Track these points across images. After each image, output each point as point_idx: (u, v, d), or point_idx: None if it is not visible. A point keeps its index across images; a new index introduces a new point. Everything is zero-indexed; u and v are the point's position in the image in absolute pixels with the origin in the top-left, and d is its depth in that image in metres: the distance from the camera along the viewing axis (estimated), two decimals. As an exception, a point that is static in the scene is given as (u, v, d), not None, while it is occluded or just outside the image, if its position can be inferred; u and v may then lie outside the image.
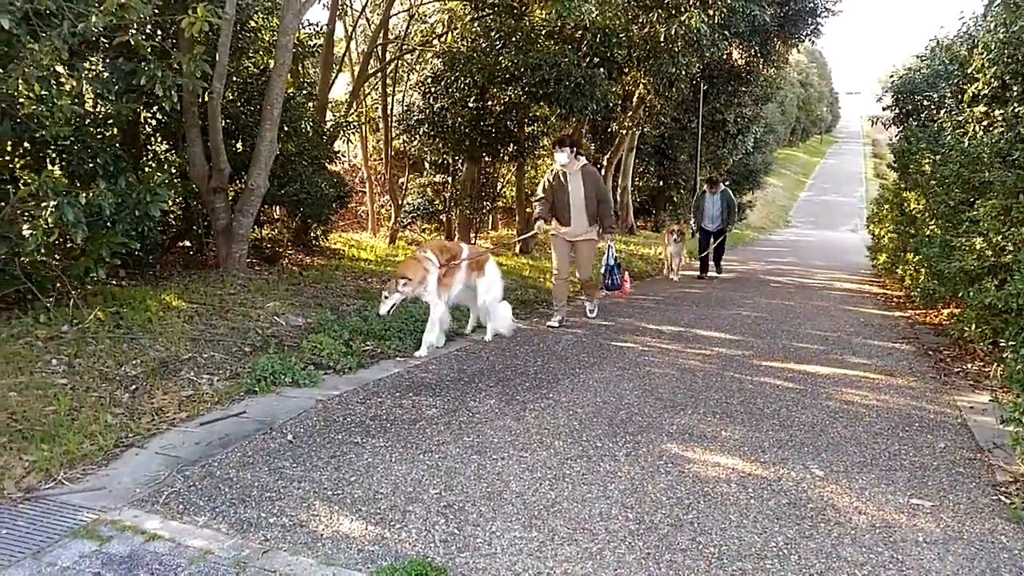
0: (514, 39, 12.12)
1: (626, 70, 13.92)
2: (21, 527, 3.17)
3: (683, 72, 13.73)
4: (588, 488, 3.75)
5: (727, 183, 18.13)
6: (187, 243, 9.22)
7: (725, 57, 19.11)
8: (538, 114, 14.30)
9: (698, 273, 13.58)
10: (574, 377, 5.71)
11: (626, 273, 8.75)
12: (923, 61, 14.58)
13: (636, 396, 5.30)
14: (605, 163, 20.10)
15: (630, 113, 18.49)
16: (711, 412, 5.03)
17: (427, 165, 17.22)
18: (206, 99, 8.05)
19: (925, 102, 14.46)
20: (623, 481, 3.85)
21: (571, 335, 7.36)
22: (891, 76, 15.09)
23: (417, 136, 14.75)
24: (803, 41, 21.52)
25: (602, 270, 8.42)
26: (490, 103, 13.64)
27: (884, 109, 16.00)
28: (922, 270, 8.79)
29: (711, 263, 13.51)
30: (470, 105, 13.39)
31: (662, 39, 12.79)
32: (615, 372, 5.92)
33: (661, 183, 25.89)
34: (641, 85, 16.35)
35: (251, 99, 9.76)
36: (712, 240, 13.17)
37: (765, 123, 30.19)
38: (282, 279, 8.40)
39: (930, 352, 7.31)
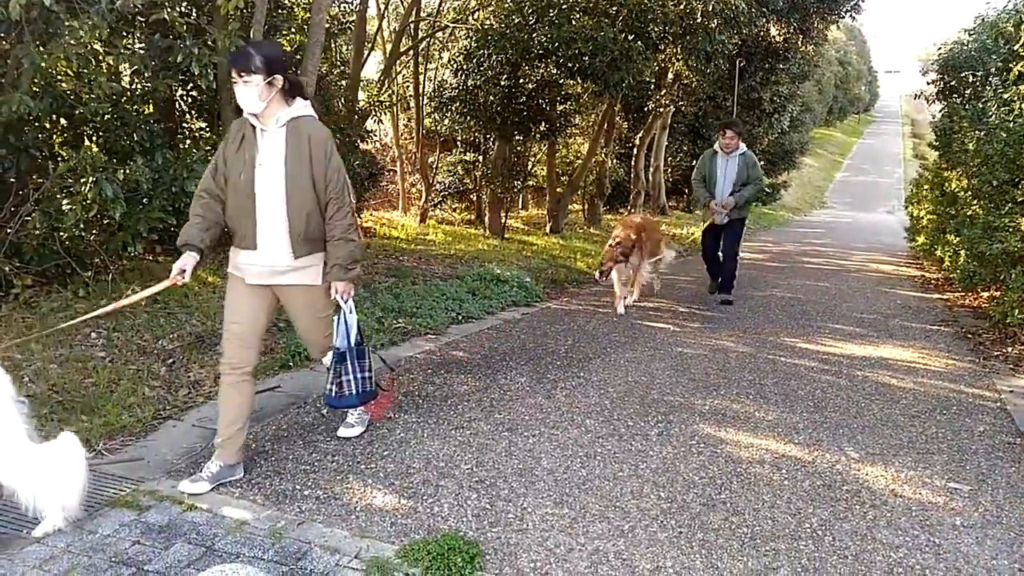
0: (548, 15, 11.98)
1: (662, 46, 13.69)
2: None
3: (720, 49, 13.46)
4: (619, 466, 3.74)
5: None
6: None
7: (762, 34, 18.74)
8: (570, 92, 14.16)
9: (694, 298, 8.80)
10: (605, 357, 5.69)
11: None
12: (970, 36, 14.15)
13: (668, 376, 5.27)
14: (637, 142, 19.89)
15: (663, 91, 18.25)
16: (744, 393, 4.99)
17: (458, 143, 17.17)
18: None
19: (970, 79, 14.04)
20: (655, 460, 3.83)
21: (602, 315, 7.33)
22: (939, 49, 14.63)
23: (448, 114, 14.69)
24: (843, 17, 20.98)
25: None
26: (522, 80, 13.54)
27: (928, 84, 15.57)
28: (962, 252, 8.59)
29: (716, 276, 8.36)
30: (502, 82, 13.29)
31: (699, 15, 12.56)
32: (646, 352, 5.88)
33: (694, 163, 25.58)
34: (677, 62, 16.10)
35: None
36: (722, 238, 7.91)
37: (802, 102, 29.62)
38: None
39: (969, 335, 7.16)
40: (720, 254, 8.02)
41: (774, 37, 19.85)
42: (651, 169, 21.18)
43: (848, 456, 4.02)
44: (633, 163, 19.94)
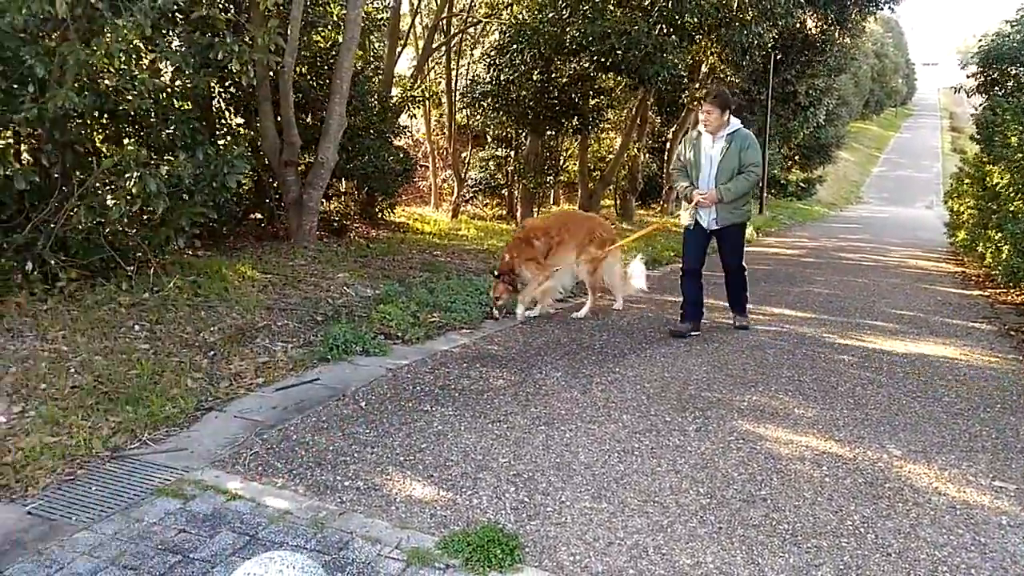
0: (582, 9, 11.94)
1: (697, 39, 13.57)
2: (110, 484, 3.32)
3: (756, 42, 13.31)
4: (657, 462, 3.73)
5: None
6: (258, 215, 9.45)
7: (799, 26, 18.47)
8: (603, 86, 14.11)
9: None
10: (640, 352, 5.66)
11: None
12: (1014, 27, 13.81)
13: (705, 372, 5.23)
14: (670, 136, 19.75)
15: (697, 84, 18.09)
16: (783, 389, 4.94)
17: (489, 139, 17.21)
18: (278, 73, 8.19)
19: (1013, 71, 13.71)
20: (693, 456, 3.81)
21: (636, 311, 7.29)
22: (979, 41, 14.30)
23: (480, 109, 14.73)
24: (881, 9, 20.61)
25: None
26: (555, 75, 13.51)
27: (968, 77, 15.24)
28: (1005, 247, 8.40)
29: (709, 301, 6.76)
30: (535, 77, 13.29)
31: (735, 7, 12.42)
32: (682, 348, 5.85)
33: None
34: (711, 55, 15.95)
35: (320, 73, 9.91)
36: (720, 250, 6.46)
37: (838, 95, 29.18)
38: (350, 251, 8.55)
39: (1012, 332, 7.01)
40: (708, 270, 6.47)
41: (811, 29, 19.56)
42: (684, 164, 21.00)
43: (890, 453, 3.96)
44: (666, 158, 19.79)
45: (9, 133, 5.71)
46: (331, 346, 5.11)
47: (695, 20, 12.31)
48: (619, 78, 13.38)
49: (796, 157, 32.80)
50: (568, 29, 12.13)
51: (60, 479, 3.32)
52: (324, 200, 9.44)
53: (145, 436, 3.75)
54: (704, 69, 17.73)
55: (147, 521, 3.01)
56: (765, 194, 24.85)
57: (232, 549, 2.81)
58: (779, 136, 25.22)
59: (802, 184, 34.21)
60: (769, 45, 16.25)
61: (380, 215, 11.45)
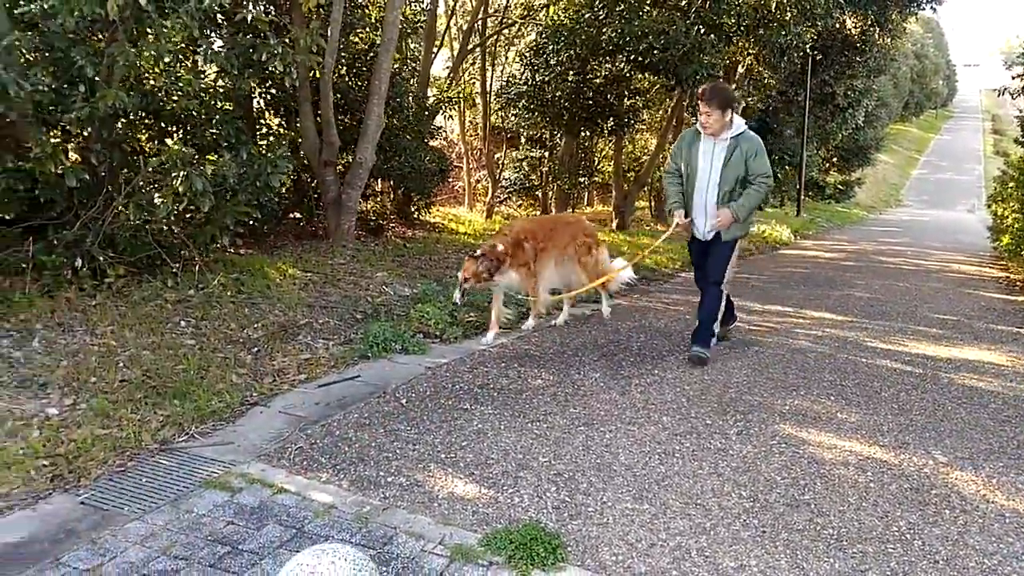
0: (618, 9, 11.91)
1: (735, 39, 13.46)
2: (160, 476, 3.39)
3: (794, 42, 13.16)
4: (699, 464, 3.71)
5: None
6: (297, 215, 9.57)
7: (838, 26, 18.21)
8: (639, 87, 14.06)
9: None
10: (679, 354, 5.63)
11: None
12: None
13: (745, 375, 5.19)
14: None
15: (734, 85, 17.93)
16: (825, 394, 4.88)
17: (523, 140, 17.23)
18: (318, 74, 8.29)
19: (1061, 71, 13.38)
20: (735, 459, 3.79)
21: (673, 312, 7.26)
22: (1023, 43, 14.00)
23: (515, 110, 14.76)
24: (923, 8, 20.24)
25: None
26: (591, 75, 13.49)
27: (1014, 79, 14.91)
28: (1055, 252, 8.21)
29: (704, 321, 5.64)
30: (570, 78, 13.29)
31: (774, 7, 12.30)
32: (721, 351, 5.80)
33: (763, 159, 25.04)
34: (749, 55, 15.80)
35: (359, 74, 10.01)
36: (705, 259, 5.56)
37: (877, 96, 28.67)
38: (388, 251, 8.62)
39: (1062, 339, 6.84)
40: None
41: (850, 30, 19.28)
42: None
43: (936, 460, 3.89)
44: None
45: (58, 132, 5.86)
46: (371, 344, 5.17)
47: (733, 20, 12.22)
48: (655, 79, 13.32)
49: (834, 159, 32.34)
50: (604, 30, 12.12)
51: (111, 470, 3.40)
52: (362, 200, 9.52)
53: (192, 430, 3.82)
54: (741, 70, 17.57)
55: (196, 513, 3.07)
56: (802, 196, 24.53)
57: (279, 542, 2.86)
58: (817, 138, 24.86)
59: (840, 187, 33.72)
60: (808, 46, 16.06)
61: (416, 215, 11.53)
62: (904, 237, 19.93)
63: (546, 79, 13.48)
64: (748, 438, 4.06)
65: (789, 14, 12.58)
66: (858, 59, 20.46)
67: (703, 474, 3.60)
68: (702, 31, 11.86)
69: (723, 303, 5.53)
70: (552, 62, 13.19)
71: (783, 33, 12.63)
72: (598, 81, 13.54)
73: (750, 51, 15.10)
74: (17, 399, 3.89)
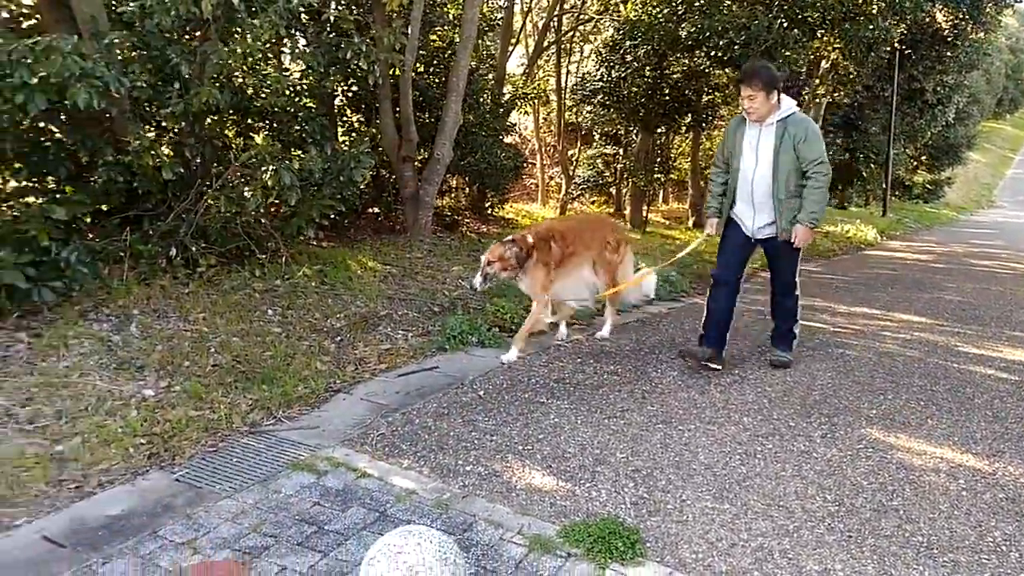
0: (698, 3, 11.72)
1: (819, 34, 13.06)
2: (249, 457, 3.52)
3: (882, 36, 12.66)
4: (782, 466, 3.63)
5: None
6: (376, 209, 9.76)
7: (928, 20, 17.45)
8: (718, 82, 13.78)
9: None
10: (760, 355, 5.51)
11: None
12: None
13: (830, 378, 5.04)
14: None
15: (818, 81, 17.40)
16: (914, 398, 4.70)
17: (597, 136, 17.13)
18: (398, 72, 8.43)
19: None
20: (819, 462, 3.69)
21: (753, 312, 7.10)
22: None
23: (590, 107, 14.68)
24: (1019, 1, 19.18)
25: None
26: (668, 71, 13.31)
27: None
28: None
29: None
30: (647, 74, 13.13)
31: (861, 1, 11.89)
32: (804, 352, 5.65)
33: (848, 157, 24.24)
34: (834, 50, 15.30)
35: (437, 72, 10.13)
36: (770, 268, 5.29)
37: (969, 92, 27.33)
38: (463, 245, 8.71)
39: None
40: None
41: (940, 24, 18.44)
42: (801, 163, 20.23)
43: (1036, 471, 3.70)
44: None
45: (153, 127, 6.13)
46: (449, 336, 5.23)
47: (818, 14, 11.85)
48: (735, 74, 13.03)
49: (923, 158, 31.00)
50: (683, 25, 11.93)
51: (204, 450, 3.55)
52: (438, 195, 9.65)
53: (280, 414, 3.96)
54: (825, 65, 17.04)
55: (284, 493, 3.18)
56: (889, 196, 23.63)
57: (363, 524, 2.93)
58: (904, 135, 23.87)
59: (929, 186, 32.31)
60: (896, 40, 15.47)
61: (490, 211, 11.61)
62: (998, 239, 18.97)
63: (622, 75, 13.35)
64: (833, 441, 3.94)
65: (876, 8, 12.14)
66: (949, 54, 19.55)
67: (786, 476, 3.52)
68: (785, 26, 11.55)
69: (799, 303, 5.26)
70: (628, 58, 13.06)
71: (870, 27, 12.18)
72: (676, 76, 13.34)
73: (835, 45, 14.62)
74: (116, 380, 4.09)
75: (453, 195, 11.38)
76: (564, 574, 2.69)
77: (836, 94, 18.72)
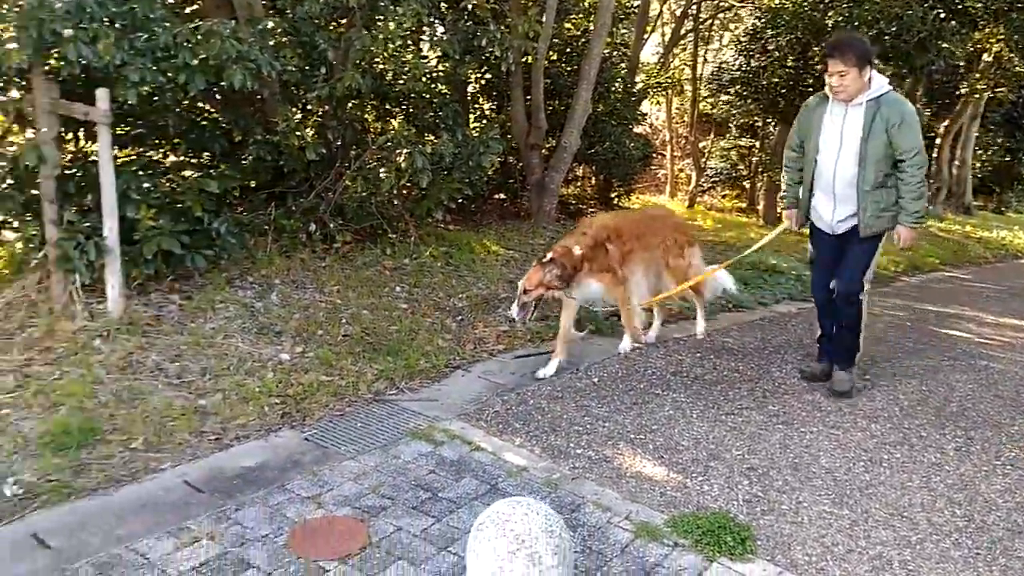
0: (846, -9, 11.14)
1: (980, 24, 12.11)
2: (372, 423, 3.71)
3: (1055, 27, 11.59)
4: (909, 476, 3.45)
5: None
6: (502, 195, 9.92)
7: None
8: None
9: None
10: (894, 361, 5.22)
11: None
12: None
13: (970, 389, 4.72)
14: (940, 132, 17.81)
15: (977, 75, 16.14)
16: (1067, 418, 4.33)
17: (732, 128, 16.64)
18: (531, 60, 8.52)
19: None
20: (951, 476, 3.48)
21: (890, 316, 6.73)
22: None
23: (726, 97, 14.28)
24: None
25: None
26: (811, 61, 12.73)
27: None
28: None
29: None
30: (789, 64, 12.61)
31: (1030, -12, 10.93)
32: (944, 361, 5.31)
33: (1008, 158, 22.35)
34: (996, 42, 14.15)
35: (570, 59, 10.15)
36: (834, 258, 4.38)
37: None
38: (587, 234, 8.71)
39: None
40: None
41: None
42: (955, 163, 18.86)
43: None
44: (935, 155, 17.83)
45: (299, 109, 6.48)
46: (567, 323, 5.26)
47: (980, 4, 11.00)
48: (884, 66, 12.31)
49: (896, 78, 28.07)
50: (830, 13, 11.37)
51: (331, 413, 3.77)
52: (563, 183, 9.69)
53: (402, 385, 4.14)
54: (987, 58, 15.78)
55: (402, 459, 3.33)
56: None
57: (475, 494, 3.03)
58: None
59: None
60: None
61: (616, 201, 11.53)
62: None
63: (762, 64, 12.89)
64: (968, 455, 3.71)
65: (1049, -5, 11.12)
66: None
67: (912, 487, 3.35)
68: (942, 16, 10.80)
69: (864, 315, 4.38)
70: (770, 47, 12.59)
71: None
72: (820, 67, 12.74)
73: (999, 37, 13.51)
74: (256, 344, 4.40)
75: (579, 184, 11.38)
76: (670, 562, 2.68)
77: (998, 90, 17.29)
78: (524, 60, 8.55)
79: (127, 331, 4.17)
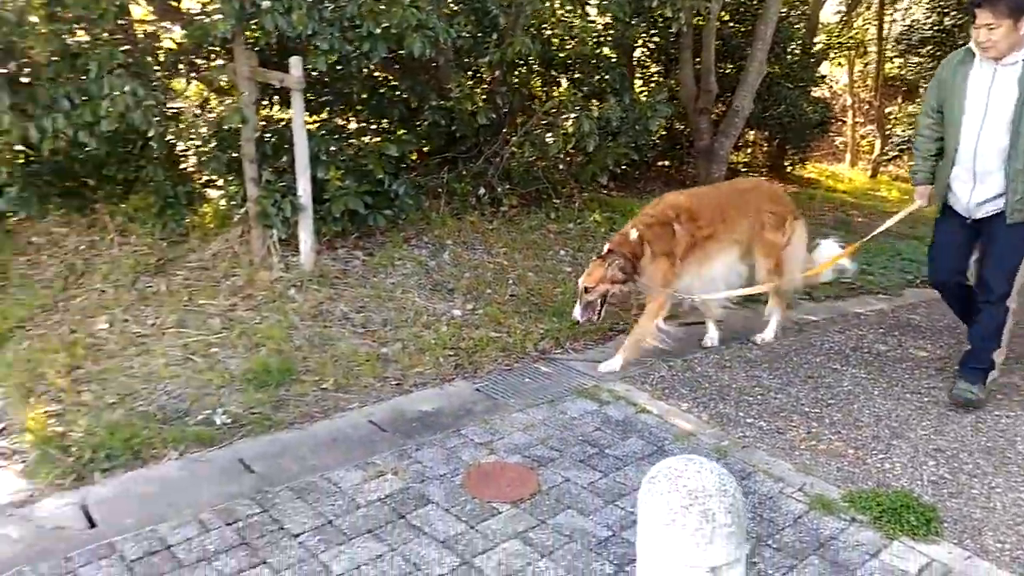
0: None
1: None
2: (539, 380, 3.82)
3: None
4: None
5: None
6: (666, 162, 9.71)
7: None
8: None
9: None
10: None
11: None
12: None
13: None
14: None
15: None
16: None
17: (922, 92, 15.29)
18: (701, 21, 8.23)
19: None
20: None
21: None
22: None
23: (917, 58, 13.15)
24: None
25: None
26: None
27: None
28: None
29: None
30: (992, 20, 11.41)
31: None
32: None
33: None
34: None
35: (743, 19, 9.71)
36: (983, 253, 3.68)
37: None
38: (756, 202, 8.38)
39: None
40: (971, 285, 3.81)
41: None
42: None
43: None
44: None
45: (469, 75, 6.63)
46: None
47: None
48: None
49: None
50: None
51: (500, 367, 3.92)
52: (732, 150, 9.33)
53: (567, 345, 4.21)
54: None
55: (569, 415, 3.40)
56: None
57: (641, 454, 3.05)
58: None
59: None
60: None
61: (789, 169, 10.98)
62: None
63: (957, 23, 11.75)
64: None
65: None
66: None
67: None
68: None
69: (1008, 323, 3.66)
70: (965, 2, 11.45)
71: None
72: None
73: None
74: (431, 299, 4.62)
75: (750, 150, 10.92)
76: (846, 537, 2.58)
77: None
78: (695, 22, 8.27)
79: (318, 282, 4.51)
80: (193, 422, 3.26)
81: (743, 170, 10.05)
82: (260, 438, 3.19)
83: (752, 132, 10.49)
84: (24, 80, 4.27)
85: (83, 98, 4.09)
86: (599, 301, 3.94)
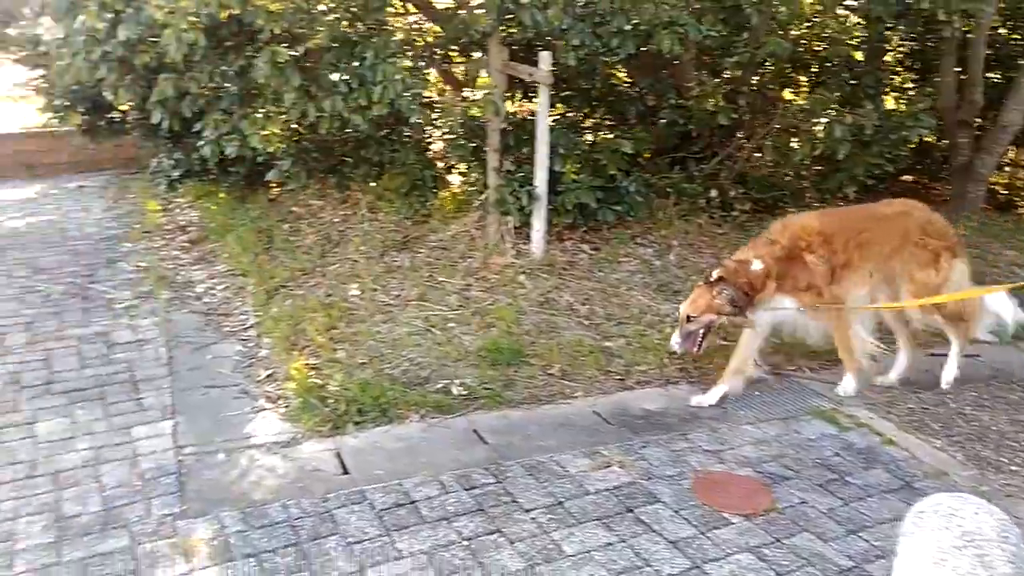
0: None
1: None
2: (772, 395, 3.67)
3: None
4: None
5: None
6: (911, 177, 8.92)
7: None
8: None
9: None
10: None
11: None
12: None
13: None
14: None
15: None
16: None
17: None
18: (970, 26, 7.45)
19: None
20: None
21: None
22: None
23: None
24: None
25: None
26: None
27: None
28: None
29: None
30: None
31: None
32: None
33: None
34: None
35: (1017, 26, 8.67)
36: None
37: None
38: (1020, 229, 7.48)
39: None
40: None
41: None
42: None
43: None
44: None
45: (711, 75, 6.46)
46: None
47: None
48: None
49: None
50: None
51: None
52: (995, 169, 8.38)
53: (801, 362, 3.99)
54: None
55: (804, 435, 3.24)
56: None
57: (887, 488, 2.85)
58: None
59: None
60: None
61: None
62: None
63: None
64: None
65: None
66: None
67: None
68: None
69: None
70: None
71: None
72: None
73: None
74: (655, 299, 4.58)
75: (1007, 171, 9.74)
76: None
77: None
78: (963, 27, 7.50)
79: (546, 271, 4.64)
80: (433, 389, 3.47)
81: (1004, 192, 9.00)
82: (491, 412, 3.33)
83: (1017, 150, 9.35)
84: (308, 64, 4.75)
85: (358, 84, 4.47)
86: (701, 332, 3.48)
